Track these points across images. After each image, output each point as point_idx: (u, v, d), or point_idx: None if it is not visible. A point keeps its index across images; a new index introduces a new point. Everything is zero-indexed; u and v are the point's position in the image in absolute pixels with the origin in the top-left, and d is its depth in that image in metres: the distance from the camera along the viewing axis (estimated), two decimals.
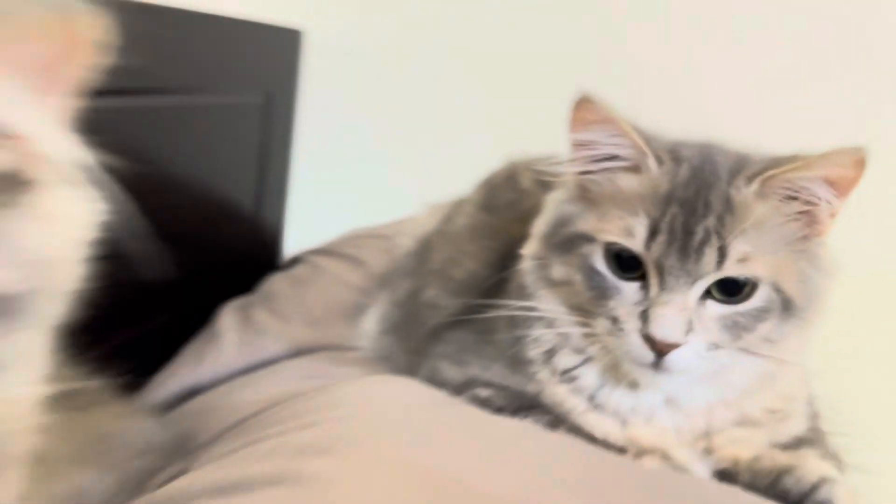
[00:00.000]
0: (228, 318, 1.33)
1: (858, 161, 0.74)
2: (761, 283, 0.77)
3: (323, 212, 1.91)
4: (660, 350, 0.76)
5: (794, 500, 0.77)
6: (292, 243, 1.81)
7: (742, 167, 0.80)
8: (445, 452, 0.76)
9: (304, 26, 1.79)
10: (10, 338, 0.46)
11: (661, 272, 0.77)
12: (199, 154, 1.45)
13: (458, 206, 1.24)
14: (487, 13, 1.78)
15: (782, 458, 0.80)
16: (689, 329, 0.76)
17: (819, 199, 0.77)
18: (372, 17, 1.86)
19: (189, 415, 1.02)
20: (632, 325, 0.77)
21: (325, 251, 1.57)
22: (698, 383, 0.82)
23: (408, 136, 1.90)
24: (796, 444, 0.86)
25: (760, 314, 0.78)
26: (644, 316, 0.77)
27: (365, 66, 1.89)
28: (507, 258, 0.99)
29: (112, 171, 0.51)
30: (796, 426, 0.87)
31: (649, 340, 0.76)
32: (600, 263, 0.81)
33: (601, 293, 0.80)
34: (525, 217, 1.04)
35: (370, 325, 1.23)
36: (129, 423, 0.83)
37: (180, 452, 0.86)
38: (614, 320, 0.79)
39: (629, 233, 0.78)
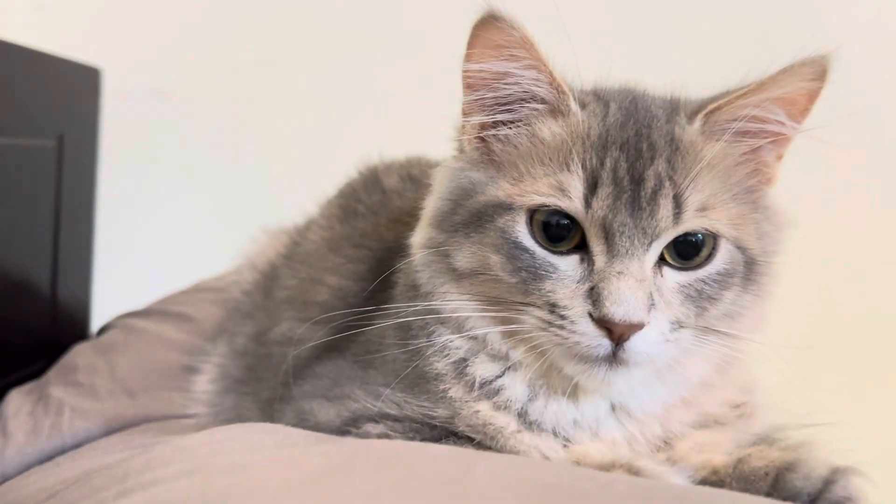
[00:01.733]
0: (16, 402, 1.06)
1: (823, 71, 0.62)
2: (722, 240, 0.63)
3: (137, 277, 1.65)
4: (619, 336, 0.59)
5: (807, 501, 0.59)
6: (100, 316, 1.50)
7: (677, 105, 0.67)
8: None
9: (100, 64, 1.54)
10: None
11: (608, 235, 0.61)
12: None
13: (305, 227, 1.04)
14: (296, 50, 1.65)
15: (775, 454, 0.63)
16: (651, 304, 0.60)
17: (772, 128, 0.65)
18: (172, 53, 1.67)
19: None
20: (578, 309, 0.60)
21: (142, 313, 1.32)
22: (653, 379, 0.65)
23: (232, 176, 1.70)
24: (766, 442, 0.70)
25: (725, 279, 0.63)
26: (593, 295, 0.60)
27: (172, 107, 1.67)
28: (383, 262, 0.79)
29: None
30: (765, 421, 0.71)
31: (604, 325, 0.59)
32: (525, 236, 0.63)
33: (531, 275, 0.63)
34: (398, 217, 0.87)
35: (204, 385, 1.01)
36: None
37: None
38: (552, 308, 0.61)
39: (561, 191, 0.62)
